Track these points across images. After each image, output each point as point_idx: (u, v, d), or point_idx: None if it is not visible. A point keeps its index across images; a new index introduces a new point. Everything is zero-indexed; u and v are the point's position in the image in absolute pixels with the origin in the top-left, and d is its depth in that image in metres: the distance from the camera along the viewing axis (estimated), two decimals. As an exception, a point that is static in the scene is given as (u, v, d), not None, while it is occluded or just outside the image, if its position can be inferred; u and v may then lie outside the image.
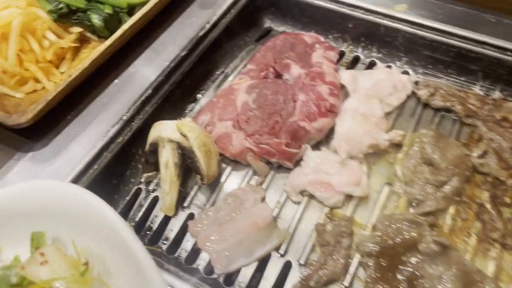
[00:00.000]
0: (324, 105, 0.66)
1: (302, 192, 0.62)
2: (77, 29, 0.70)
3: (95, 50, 0.67)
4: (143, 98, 0.67)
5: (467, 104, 0.69)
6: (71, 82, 0.63)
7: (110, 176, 0.63)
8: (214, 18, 0.78)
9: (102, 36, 0.72)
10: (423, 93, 0.72)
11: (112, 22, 0.71)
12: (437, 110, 0.71)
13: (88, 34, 0.72)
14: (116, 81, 0.70)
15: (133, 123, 0.65)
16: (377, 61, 0.80)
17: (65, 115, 0.65)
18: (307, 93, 0.67)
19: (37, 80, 0.65)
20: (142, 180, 0.66)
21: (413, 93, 0.73)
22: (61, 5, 0.68)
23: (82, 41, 0.73)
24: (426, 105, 0.72)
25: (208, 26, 0.77)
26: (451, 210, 0.59)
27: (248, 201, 0.61)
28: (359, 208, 0.61)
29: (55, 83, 0.65)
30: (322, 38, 0.81)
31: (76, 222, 0.50)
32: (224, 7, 0.80)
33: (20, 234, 0.51)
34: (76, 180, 0.59)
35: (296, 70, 0.71)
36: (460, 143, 0.65)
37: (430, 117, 0.70)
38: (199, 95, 0.76)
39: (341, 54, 0.81)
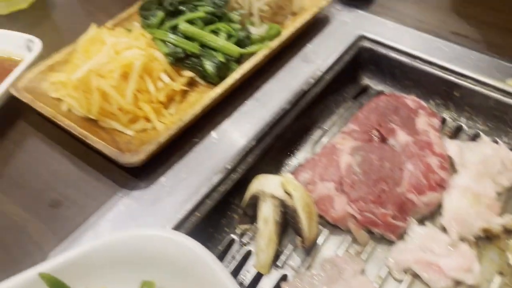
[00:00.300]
0: (433, 178, 0.63)
1: (406, 270, 0.58)
2: (189, 73, 0.72)
3: (207, 96, 0.68)
4: (246, 148, 0.67)
5: None
6: (182, 126, 0.65)
7: (208, 224, 0.63)
8: (318, 73, 0.78)
9: (210, 81, 0.73)
10: (537, 176, 0.67)
11: (223, 70, 0.72)
12: (552, 196, 0.66)
13: (197, 79, 0.73)
14: (219, 128, 0.70)
15: (235, 173, 0.65)
16: (481, 133, 0.76)
17: (170, 156, 0.66)
18: (415, 163, 0.65)
19: (147, 120, 0.67)
20: (237, 231, 0.64)
21: (524, 174, 0.69)
22: (178, 49, 0.70)
23: (190, 84, 0.74)
24: (540, 190, 0.67)
25: (312, 81, 0.77)
26: None
27: (347, 271, 0.58)
28: (469, 297, 0.56)
29: (164, 124, 0.66)
30: (423, 103, 0.78)
31: (182, 274, 0.50)
32: (327, 62, 0.80)
33: (125, 279, 0.51)
34: (178, 226, 0.58)
35: (402, 136, 0.69)
36: None
37: (544, 203, 0.66)
38: (296, 150, 0.75)
39: (443, 122, 0.78)
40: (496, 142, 0.74)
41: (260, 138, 0.69)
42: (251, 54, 0.76)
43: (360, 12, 0.91)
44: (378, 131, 0.72)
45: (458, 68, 0.77)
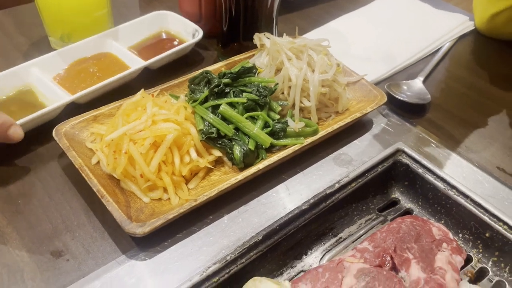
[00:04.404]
0: (436, 328, 0.59)
1: None
2: (217, 153, 0.74)
3: (226, 182, 0.69)
4: (251, 243, 0.66)
5: None
6: (194, 206, 0.65)
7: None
8: (346, 179, 0.76)
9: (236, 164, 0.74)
10: None
11: (250, 156, 0.73)
12: None
13: (225, 158, 0.75)
14: (232, 213, 0.70)
15: (234, 266, 0.64)
16: (506, 284, 0.71)
17: (179, 231, 0.67)
18: (421, 305, 0.61)
19: (165, 190, 0.68)
20: (222, 328, 0.63)
21: None
22: (212, 129, 0.72)
23: (217, 162, 0.76)
24: None
25: (337, 186, 0.75)
26: None
27: None
28: None
29: (180, 198, 0.68)
30: (451, 235, 0.74)
31: None
32: (359, 170, 0.78)
33: None
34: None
35: (415, 271, 0.65)
36: None
37: None
38: (304, 254, 0.73)
39: (468, 259, 0.73)
40: (521, 297, 0.69)
41: (267, 234, 0.67)
42: (283, 146, 0.77)
43: (407, 124, 0.89)
44: (392, 258, 0.68)
45: (493, 209, 0.73)
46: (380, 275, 0.65)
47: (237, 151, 0.72)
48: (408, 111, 0.94)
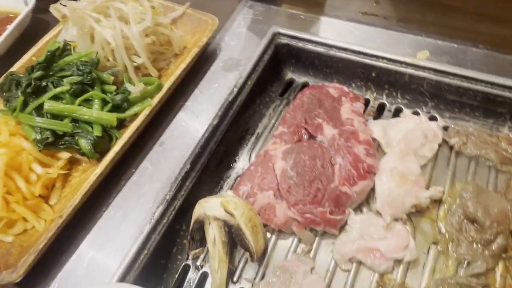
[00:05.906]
0: (362, 167, 0.67)
1: (351, 259, 0.62)
2: (65, 155, 0.66)
3: (87, 182, 0.63)
4: (183, 174, 0.67)
5: (501, 151, 0.70)
6: (63, 222, 0.60)
7: (159, 257, 0.64)
8: (241, 81, 0.79)
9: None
10: (455, 141, 0.72)
11: (101, 143, 0.67)
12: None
13: (77, 156, 0.68)
14: (151, 157, 0.70)
15: (176, 201, 0.66)
16: (403, 107, 0.81)
17: (108, 198, 0.66)
18: (343, 155, 0.68)
19: (26, 219, 0.62)
20: (190, 257, 0.66)
21: (444, 141, 0.74)
22: (46, 133, 0.64)
23: (72, 162, 0.69)
24: (459, 153, 0.72)
25: (235, 90, 0.78)
26: (500, 267, 0.60)
27: (298, 273, 0.61)
28: (409, 272, 0.61)
29: (45, 221, 0.62)
30: (346, 88, 0.81)
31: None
32: (248, 68, 0.80)
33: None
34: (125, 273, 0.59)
35: (328, 130, 0.72)
36: (500, 193, 0.66)
37: (465, 166, 0.71)
38: (234, 161, 0.76)
39: (366, 102, 0.82)
40: (418, 113, 0.79)
41: (194, 160, 0.69)
42: (134, 115, 0.72)
43: (273, 7, 0.91)
44: (306, 129, 0.74)
45: (370, 50, 0.80)
46: (302, 148, 0.71)
47: (84, 143, 0.65)
48: (268, -6, 0.94)
